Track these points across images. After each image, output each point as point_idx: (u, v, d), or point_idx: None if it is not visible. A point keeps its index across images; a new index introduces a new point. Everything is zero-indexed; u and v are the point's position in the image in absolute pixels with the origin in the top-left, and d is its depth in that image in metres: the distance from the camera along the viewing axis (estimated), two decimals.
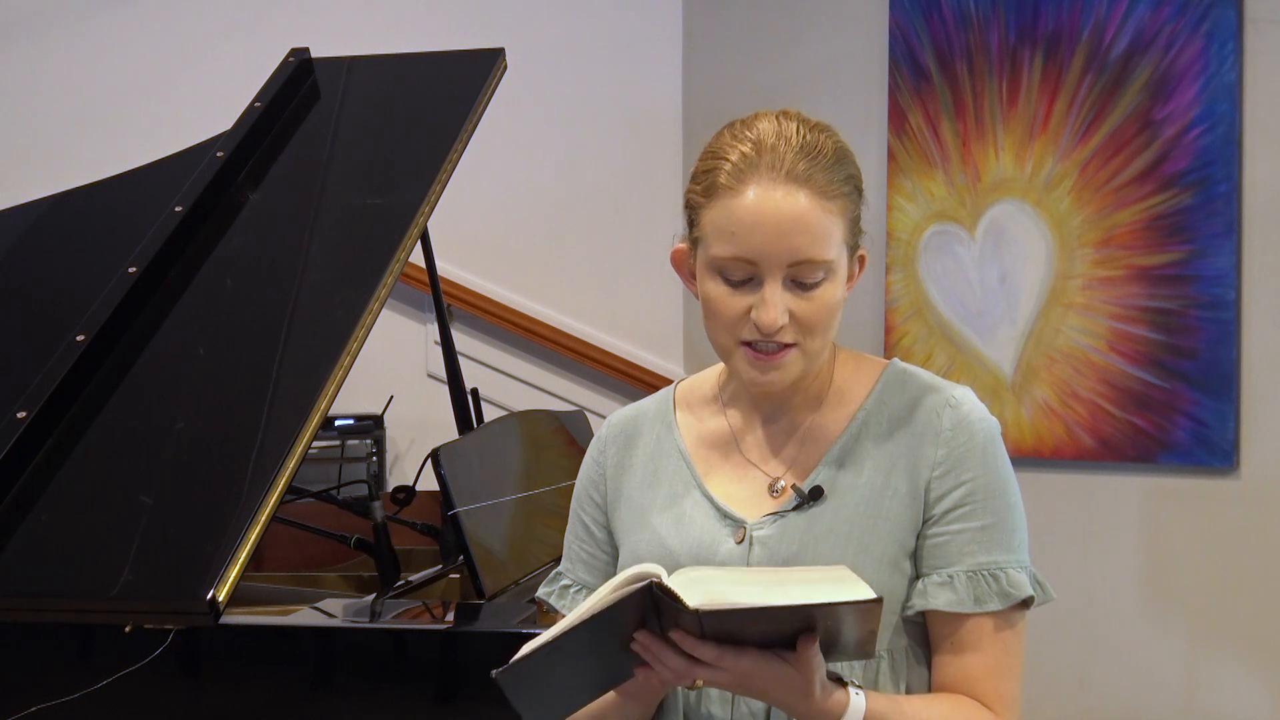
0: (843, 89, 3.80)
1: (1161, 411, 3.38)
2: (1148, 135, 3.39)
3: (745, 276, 1.39)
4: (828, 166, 1.39)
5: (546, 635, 1.29)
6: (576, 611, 1.29)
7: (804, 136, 1.40)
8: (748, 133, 1.41)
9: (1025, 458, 3.51)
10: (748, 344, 1.41)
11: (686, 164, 4.12)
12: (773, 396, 1.49)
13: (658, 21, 4.18)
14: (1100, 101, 3.44)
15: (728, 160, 1.40)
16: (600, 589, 1.30)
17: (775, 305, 1.38)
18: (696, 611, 1.22)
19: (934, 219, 3.66)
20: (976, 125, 3.60)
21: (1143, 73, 3.39)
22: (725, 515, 1.47)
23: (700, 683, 1.32)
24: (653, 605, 1.26)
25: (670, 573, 1.29)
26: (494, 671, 1.31)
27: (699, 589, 1.24)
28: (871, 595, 1.24)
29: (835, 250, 1.40)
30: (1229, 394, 3.30)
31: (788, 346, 1.40)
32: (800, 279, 1.39)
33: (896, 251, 3.71)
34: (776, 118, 1.43)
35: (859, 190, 1.44)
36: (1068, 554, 3.47)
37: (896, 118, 3.70)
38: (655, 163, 4.10)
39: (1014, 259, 3.57)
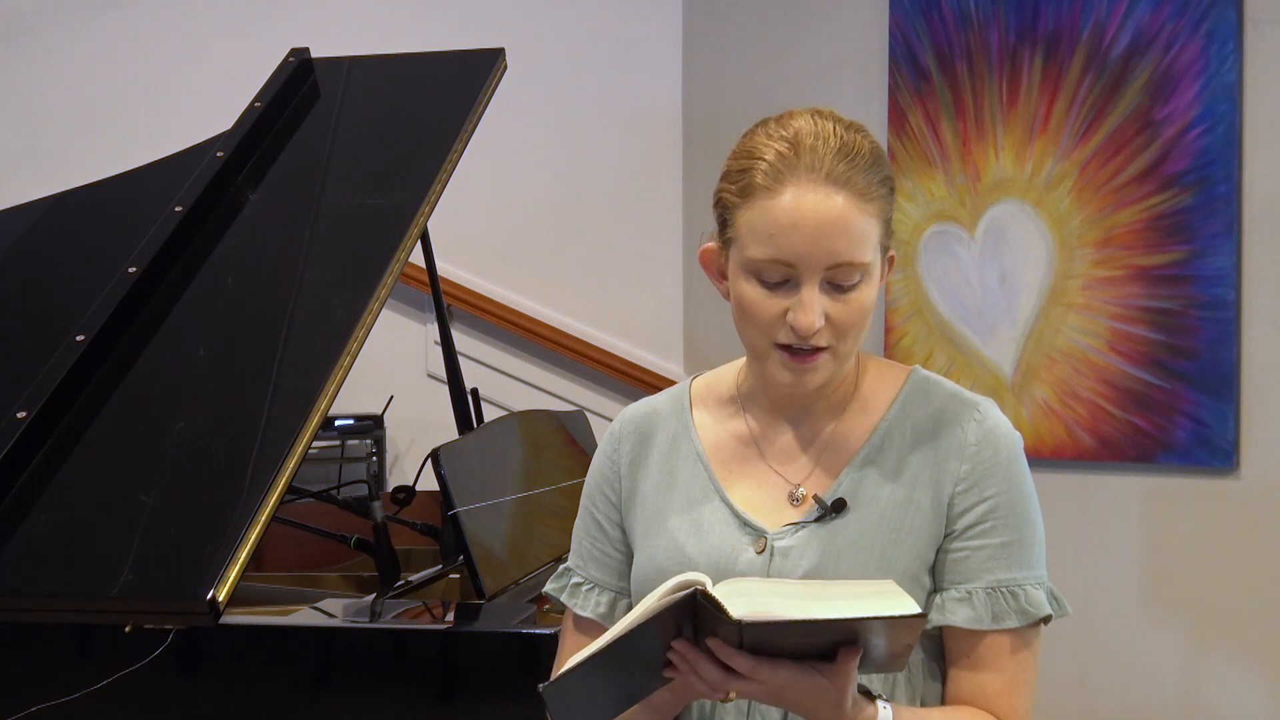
0: (843, 89, 3.80)
1: (1161, 411, 3.38)
2: (1148, 135, 3.39)
3: (782, 278, 1.37)
4: (866, 168, 1.37)
5: (595, 646, 1.29)
6: (623, 622, 1.28)
7: (841, 137, 1.38)
8: (783, 131, 1.39)
9: (1025, 457, 3.50)
10: (782, 346, 1.39)
11: (687, 164, 4.12)
12: (797, 400, 1.47)
13: (658, 22, 4.17)
14: (1100, 101, 3.44)
15: (764, 160, 1.38)
16: (645, 599, 1.28)
17: (813, 308, 1.36)
18: (739, 622, 1.21)
19: (934, 219, 3.66)
20: (976, 125, 3.60)
21: (1143, 73, 3.39)
22: (745, 524, 1.45)
23: (734, 695, 1.31)
24: (690, 614, 1.25)
25: (710, 579, 1.28)
26: (540, 686, 1.30)
27: (742, 600, 1.24)
28: (916, 609, 1.24)
29: (871, 253, 1.38)
30: (1229, 394, 3.30)
31: (821, 349, 1.38)
32: (838, 281, 1.37)
33: (897, 251, 3.70)
34: (812, 116, 1.40)
35: (893, 191, 1.42)
36: (1068, 554, 3.47)
37: (896, 118, 3.70)
38: (655, 163, 4.10)
39: (1014, 259, 3.57)
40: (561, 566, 1.59)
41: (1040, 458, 3.51)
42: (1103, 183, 3.45)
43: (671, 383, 1.62)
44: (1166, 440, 3.38)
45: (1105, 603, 3.47)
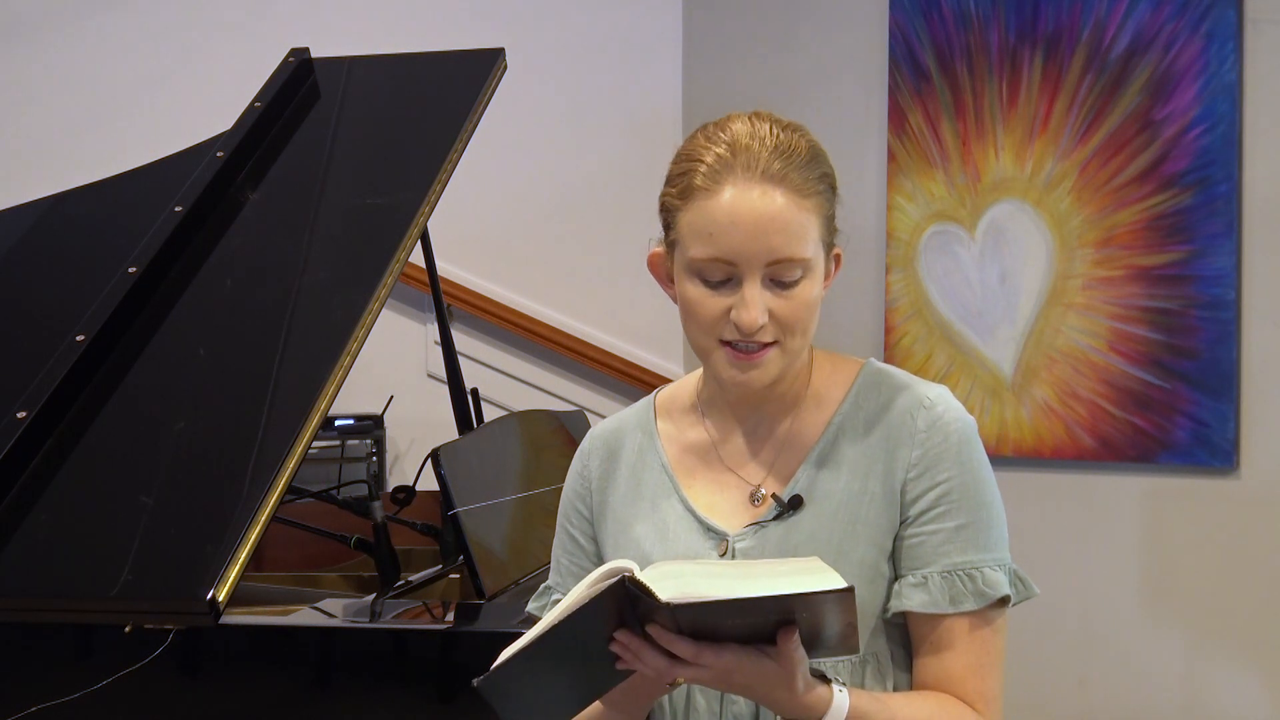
0: (843, 89, 3.80)
1: (1161, 411, 3.38)
2: (1148, 135, 3.39)
3: (724, 277, 1.39)
4: (802, 165, 1.40)
5: (525, 639, 1.28)
6: (554, 612, 1.28)
7: (778, 136, 1.41)
8: (721, 134, 1.42)
9: (1025, 458, 3.51)
10: (727, 344, 1.41)
11: None
12: (750, 400, 1.49)
13: (658, 21, 4.18)
14: (1100, 101, 3.44)
15: (702, 162, 1.40)
16: (576, 587, 1.29)
17: (755, 305, 1.38)
18: (668, 604, 1.22)
19: (934, 219, 3.66)
20: (976, 125, 3.60)
21: (1143, 73, 3.39)
22: (708, 528, 1.47)
23: (681, 680, 1.32)
24: (629, 601, 1.25)
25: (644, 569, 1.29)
26: (475, 680, 1.30)
27: (671, 583, 1.24)
28: (843, 584, 1.23)
29: (812, 248, 1.40)
30: (1229, 394, 3.30)
31: (767, 346, 1.40)
32: (779, 278, 1.39)
33: (896, 251, 3.71)
34: (749, 119, 1.43)
35: (833, 188, 1.44)
36: (1068, 554, 3.47)
37: (896, 118, 3.70)
38: (655, 163, 4.02)
39: (1014, 259, 3.57)
40: (543, 585, 1.62)
41: (1040, 458, 3.51)
42: (1103, 183, 3.45)
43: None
44: (1166, 440, 3.38)
45: (1105, 603, 3.47)
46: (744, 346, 1.40)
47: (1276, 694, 3.31)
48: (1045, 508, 3.47)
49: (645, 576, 1.24)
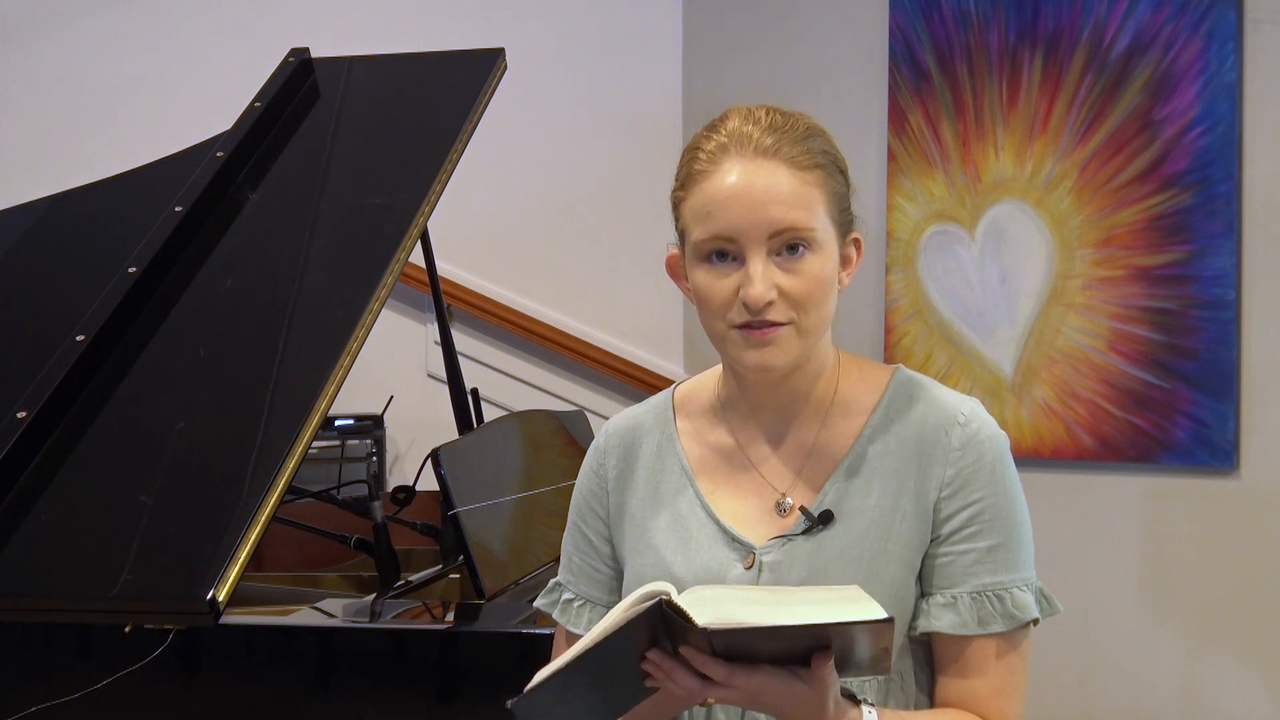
0: (843, 89, 3.80)
1: (1161, 411, 3.38)
2: (1148, 135, 3.39)
3: (729, 257, 1.38)
4: (797, 139, 1.39)
5: (560, 661, 1.28)
6: (589, 635, 1.27)
7: (772, 118, 1.41)
8: (721, 125, 1.43)
9: (1025, 458, 3.51)
10: (740, 326, 1.38)
11: None
12: (772, 398, 1.45)
13: (658, 21, 4.18)
14: (1100, 101, 3.44)
15: (702, 150, 1.41)
16: (612, 611, 1.28)
17: (760, 278, 1.35)
18: (706, 630, 1.21)
19: (934, 219, 3.66)
20: (976, 125, 3.60)
21: (1143, 73, 3.39)
22: (733, 539, 1.44)
23: (711, 700, 1.31)
24: (663, 623, 1.25)
25: (680, 592, 1.28)
26: (509, 701, 1.29)
27: (709, 608, 1.23)
28: (883, 615, 1.23)
29: (818, 220, 1.38)
30: (1229, 394, 3.30)
31: (780, 324, 1.37)
32: (784, 251, 1.37)
33: (896, 251, 3.71)
34: (747, 109, 1.44)
35: (840, 168, 1.42)
36: (1067, 554, 3.47)
37: (896, 118, 3.70)
38: (655, 163, 4.08)
39: (1014, 259, 3.57)
40: (552, 581, 1.59)
41: (1040, 458, 3.51)
42: (1103, 183, 3.45)
43: (671, 383, 1.61)
44: (1166, 440, 3.38)
45: (1105, 603, 3.47)
46: (756, 325, 1.37)
47: (1276, 694, 3.31)
48: (1045, 508, 3.46)
49: (682, 601, 1.23)
